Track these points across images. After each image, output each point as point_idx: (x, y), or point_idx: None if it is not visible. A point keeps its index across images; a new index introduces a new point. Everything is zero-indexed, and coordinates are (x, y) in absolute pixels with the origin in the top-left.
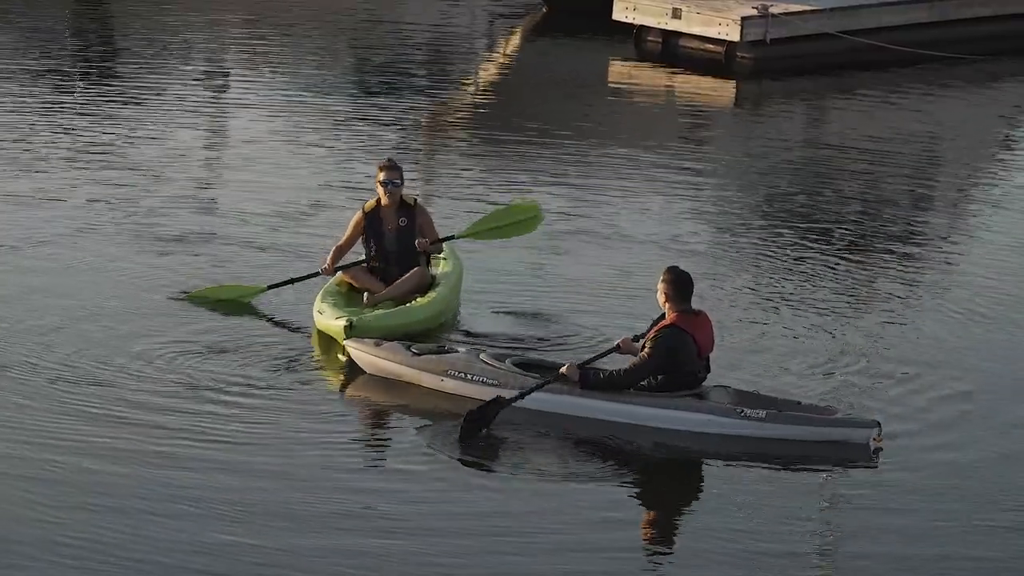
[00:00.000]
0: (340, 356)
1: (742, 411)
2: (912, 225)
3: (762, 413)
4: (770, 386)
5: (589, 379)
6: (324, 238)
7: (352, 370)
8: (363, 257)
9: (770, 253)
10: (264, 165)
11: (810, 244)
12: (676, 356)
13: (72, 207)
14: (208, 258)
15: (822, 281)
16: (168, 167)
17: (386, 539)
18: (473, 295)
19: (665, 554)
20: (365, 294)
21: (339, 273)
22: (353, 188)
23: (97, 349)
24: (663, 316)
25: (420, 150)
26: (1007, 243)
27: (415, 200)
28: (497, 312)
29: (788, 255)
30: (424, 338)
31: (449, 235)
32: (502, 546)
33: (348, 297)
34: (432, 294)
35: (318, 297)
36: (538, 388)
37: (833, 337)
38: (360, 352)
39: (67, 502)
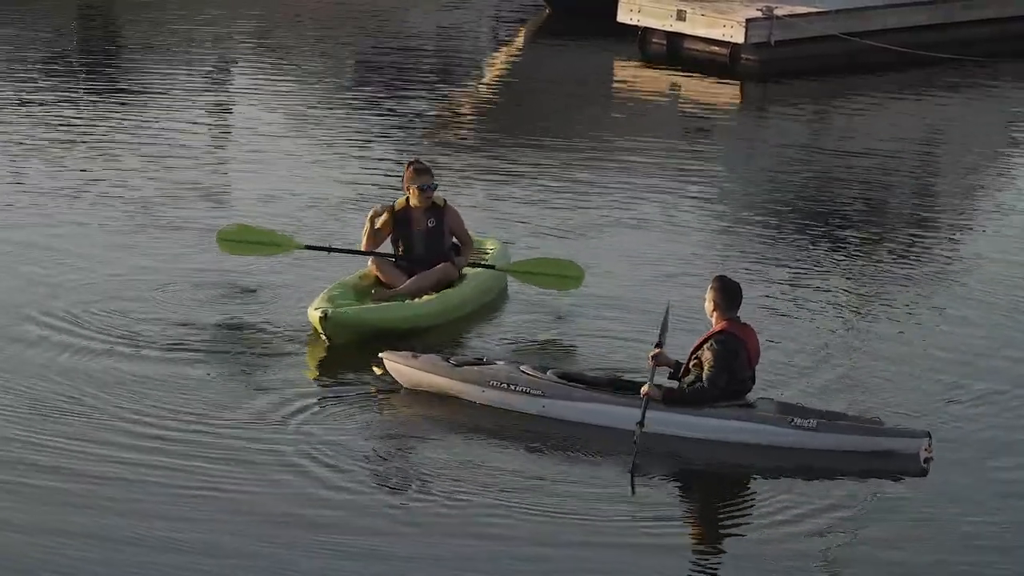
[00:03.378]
0: (376, 369)
1: (793, 420)
2: (920, 226)
3: (813, 423)
4: (802, 396)
5: (674, 395)
6: (330, 234)
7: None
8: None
9: (779, 256)
10: (268, 164)
11: (819, 248)
12: (733, 363)
13: (76, 199)
14: (213, 257)
15: (834, 286)
16: (171, 163)
17: None
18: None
19: (708, 562)
20: (373, 291)
21: (369, 265)
22: (358, 187)
23: (81, 357)
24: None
25: (424, 150)
26: (1016, 239)
27: (444, 201)
28: (512, 317)
29: (797, 259)
30: (441, 348)
31: (491, 264)
32: (546, 558)
33: (361, 291)
34: (434, 295)
35: (328, 288)
36: (645, 410)
37: (858, 343)
38: (397, 365)
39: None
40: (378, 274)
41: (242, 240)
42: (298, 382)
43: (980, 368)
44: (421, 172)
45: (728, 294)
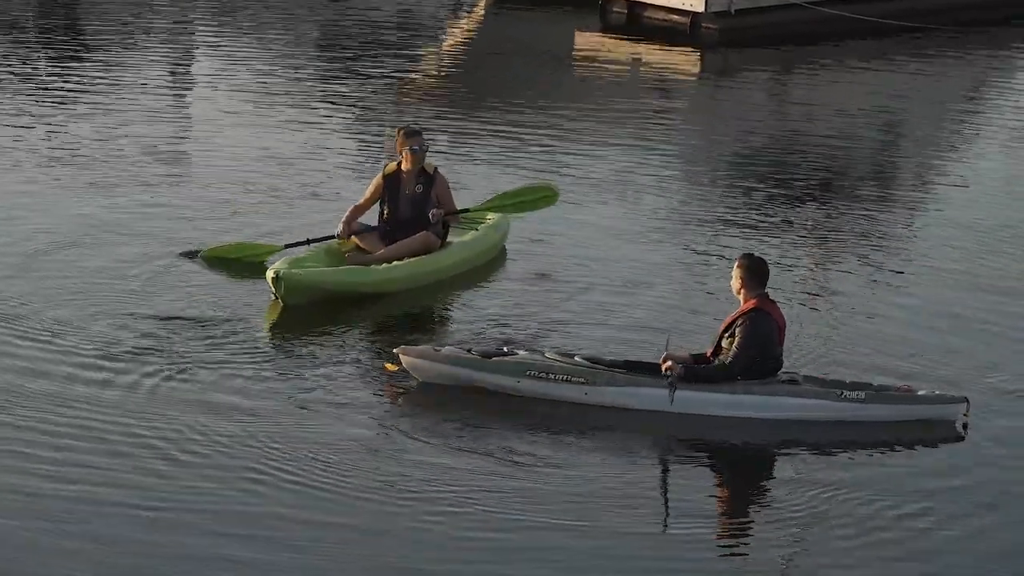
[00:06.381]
0: (389, 365)
1: (843, 394)
2: (882, 192)
3: (861, 395)
4: (807, 366)
5: (694, 373)
6: (300, 210)
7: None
8: (376, 223)
9: (745, 222)
10: (232, 138)
11: (783, 212)
12: (765, 341)
13: (30, 161)
14: (183, 238)
15: (800, 253)
16: (130, 127)
17: None
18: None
19: (739, 541)
20: (347, 254)
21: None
22: (322, 159)
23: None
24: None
25: (387, 120)
26: (977, 203)
27: (435, 168)
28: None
29: (763, 224)
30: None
31: (464, 208)
32: (590, 536)
33: (336, 255)
34: (403, 262)
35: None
36: (675, 386)
37: (835, 308)
38: (417, 360)
39: None
40: (356, 239)
41: (227, 257)
42: (252, 351)
43: (944, 317)
44: (411, 134)
45: (755, 272)
